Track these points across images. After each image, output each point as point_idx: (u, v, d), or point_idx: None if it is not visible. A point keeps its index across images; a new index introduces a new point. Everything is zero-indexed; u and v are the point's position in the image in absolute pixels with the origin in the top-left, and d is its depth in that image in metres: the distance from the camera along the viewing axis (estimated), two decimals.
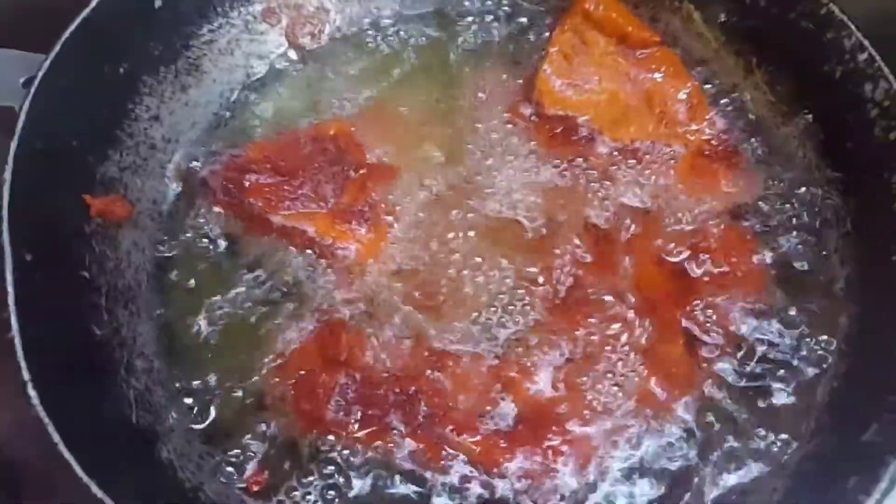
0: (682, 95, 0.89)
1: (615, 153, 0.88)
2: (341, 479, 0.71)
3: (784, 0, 0.85)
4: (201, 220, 0.86)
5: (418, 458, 0.72)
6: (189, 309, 0.80)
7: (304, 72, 0.97)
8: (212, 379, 0.76)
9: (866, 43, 0.79)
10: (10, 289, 0.64)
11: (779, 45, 0.87)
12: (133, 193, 0.84)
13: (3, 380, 0.84)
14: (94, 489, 0.57)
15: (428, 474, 0.72)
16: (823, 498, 0.63)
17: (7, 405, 0.85)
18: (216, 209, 0.86)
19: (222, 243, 0.84)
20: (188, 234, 0.85)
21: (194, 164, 0.89)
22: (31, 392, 0.61)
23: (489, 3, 0.99)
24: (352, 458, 0.72)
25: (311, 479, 0.71)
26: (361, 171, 0.86)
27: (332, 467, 0.72)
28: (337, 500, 0.71)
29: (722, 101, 0.91)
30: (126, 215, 0.82)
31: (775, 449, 0.72)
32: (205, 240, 0.85)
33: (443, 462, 0.72)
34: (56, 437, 0.59)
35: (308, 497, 0.70)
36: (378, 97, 0.94)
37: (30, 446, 0.87)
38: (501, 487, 0.71)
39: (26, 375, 0.61)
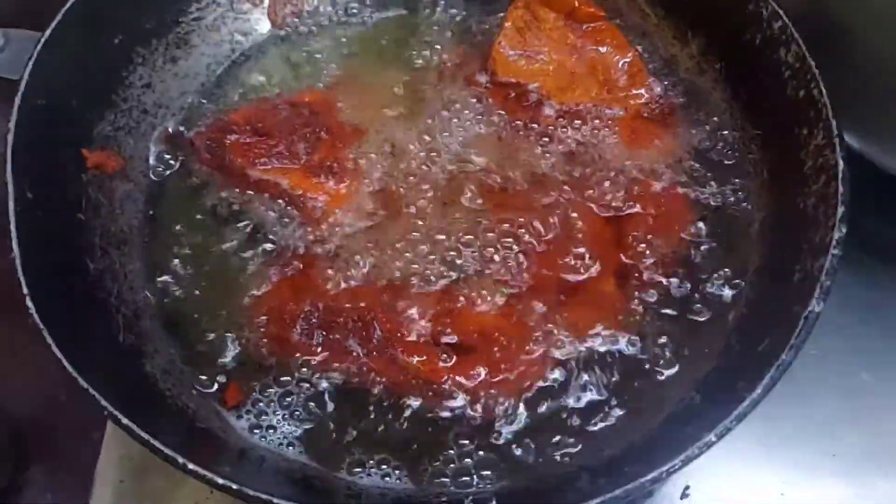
0: (623, 64, 0.99)
1: (561, 116, 0.97)
2: (303, 394, 0.80)
3: None
4: (188, 177, 0.95)
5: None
6: (175, 252, 0.89)
7: (285, 47, 1.06)
8: (193, 308, 0.85)
9: (780, 12, 0.87)
10: (11, 217, 0.73)
11: (709, 19, 0.96)
12: (126, 150, 0.94)
13: (11, 345, 0.95)
14: (81, 382, 0.66)
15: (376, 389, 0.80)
16: (721, 399, 0.71)
17: (15, 368, 0.96)
18: (201, 166, 0.95)
19: (206, 196, 0.93)
20: (176, 188, 0.94)
21: (182, 128, 0.98)
22: (30, 303, 0.70)
23: None
24: (314, 377, 0.81)
25: (273, 390, 0.80)
26: (332, 133, 0.96)
27: (297, 384, 0.81)
28: (299, 410, 0.79)
29: (660, 70, 1.00)
30: (119, 168, 0.91)
31: (689, 365, 0.80)
32: (190, 193, 0.94)
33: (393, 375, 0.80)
34: (50, 340, 0.68)
35: (271, 405, 0.79)
36: (350, 68, 1.04)
37: (35, 406, 0.98)
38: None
39: (25, 289, 0.70)
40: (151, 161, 0.96)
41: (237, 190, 0.93)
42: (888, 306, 1.00)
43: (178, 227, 0.91)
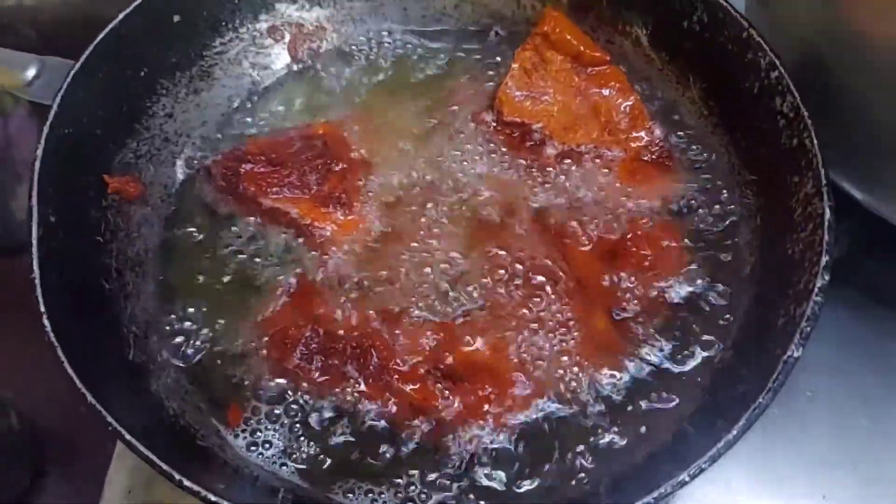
0: (625, 107, 1.02)
1: (563, 155, 1.01)
2: (300, 417, 0.84)
3: (714, 27, 0.96)
4: (204, 203, 1.00)
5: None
6: (187, 275, 0.94)
7: (303, 80, 1.11)
8: (201, 331, 0.89)
9: (777, 62, 0.90)
10: (34, 240, 0.78)
11: (711, 65, 0.99)
12: (146, 177, 0.98)
13: (29, 354, 0.99)
14: (89, 398, 0.70)
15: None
16: (698, 439, 0.74)
17: (33, 377, 0.99)
18: (216, 194, 0.99)
19: (219, 222, 0.97)
20: (191, 214, 0.99)
21: (201, 155, 1.03)
22: (46, 322, 0.74)
23: (468, 25, 1.12)
24: (311, 401, 0.85)
25: (271, 410, 0.84)
26: (343, 165, 1.00)
27: (295, 406, 0.84)
28: (295, 432, 0.83)
29: (661, 113, 1.02)
30: (138, 195, 0.96)
31: (677, 403, 0.83)
32: (205, 219, 0.98)
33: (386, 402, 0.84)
34: (63, 357, 0.72)
35: (269, 425, 0.83)
36: (364, 103, 1.08)
37: (54, 414, 1.02)
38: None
39: (42, 308, 0.75)
40: (170, 188, 1.00)
41: (250, 217, 0.98)
42: (888, 349, 1.01)
43: (190, 252, 0.95)
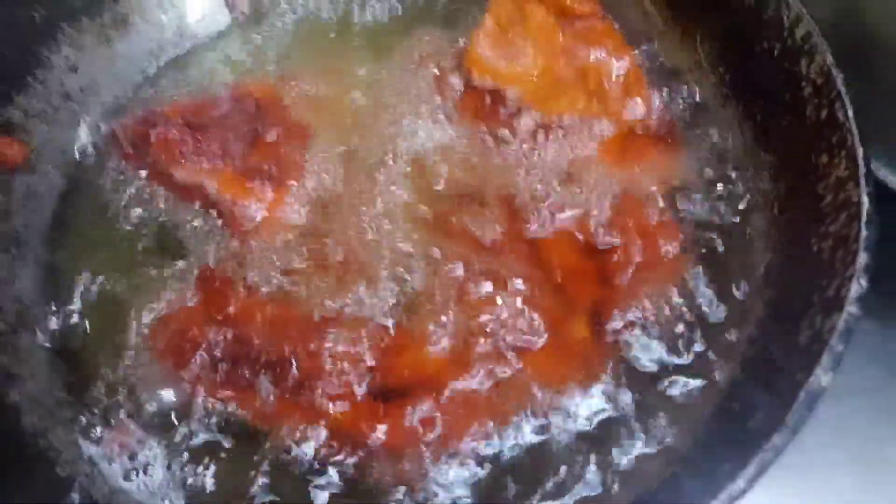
0: (618, 71, 0.85)
1: (542, 128, 0.83)
2: (194, 439, 0.67)
3: None
4: (105, 174, 0.83)
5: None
6: (78, 259, 0.78)
7: (240, 34, 0.95)
8: (85, 328, 0.73)
9: (805, 16, 0.73)
10: None
11: (722, 23, 0.83)
12: (37, 140, 0.82)
13: None
14: None
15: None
16: (699, 484, 0.57)
17: None
18: (122, 163, 0.83)
19: (123, 198, 0.81)
20: (90, 187, 0.82)
21: (109, 118, 0.86)
22: None
23: None
24: (210, 420, 0.67)
25: (165, 433, 0.67)
26: (276, 133, 0.83)
27: (188, 426, 0.68)
28: (186, 457, 0.66)
29: (662, 81, 0.86)
30: (21, 161, 0.79)
31: (667, 436, 0.65)
32: (106, 193, 0.82)
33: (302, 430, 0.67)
34: None
35: (153, 448, 0.66)
36: (310, 63, 0.92)
37: None
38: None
39: None
40: (68, 154, 0.83)
41: (160, 192, 0.81)
42: None
43: (85, 232, 0.80)
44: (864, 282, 0.61)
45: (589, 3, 0.86)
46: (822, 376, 0.57)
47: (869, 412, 0.82)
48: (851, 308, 0.59)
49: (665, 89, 0.86)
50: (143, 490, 0.65)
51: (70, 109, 0.86)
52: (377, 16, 0.94)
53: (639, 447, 0.67)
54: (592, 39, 0.86)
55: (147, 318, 0.74)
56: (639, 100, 0.84)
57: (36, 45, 0.84)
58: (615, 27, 0.87)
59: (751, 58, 0.80)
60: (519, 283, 0.75)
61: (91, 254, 0.78)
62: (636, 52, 0.87)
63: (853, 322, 0.59)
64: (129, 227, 0.80)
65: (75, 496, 0.62)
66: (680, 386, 0.69)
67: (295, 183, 0.81)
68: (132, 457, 0.66)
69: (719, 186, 0.80)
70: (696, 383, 0.69)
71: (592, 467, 0.67)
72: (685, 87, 0.86)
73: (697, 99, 0.85)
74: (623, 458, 0.66)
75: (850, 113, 0.68)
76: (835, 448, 0.80)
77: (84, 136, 0.85)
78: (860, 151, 0.67)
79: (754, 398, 0.63)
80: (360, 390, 0.69)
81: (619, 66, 0.85)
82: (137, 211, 0.81)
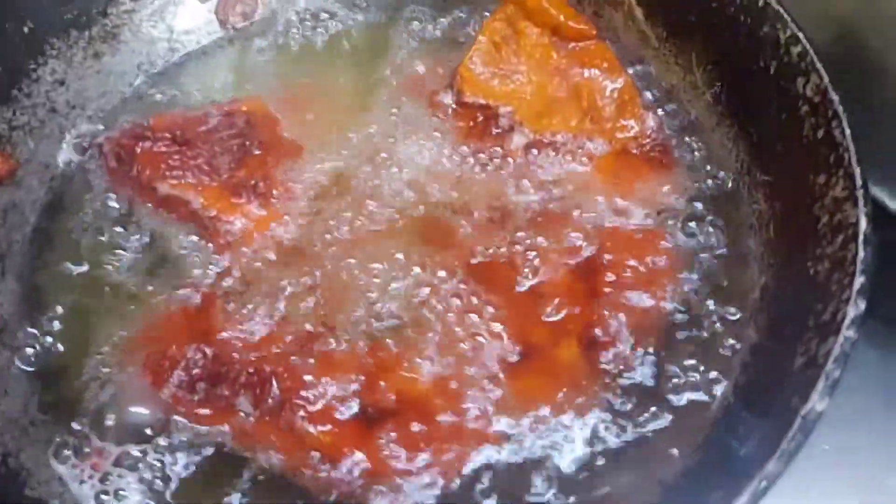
0: (612, 91, 0.84)
1: (534, 145, 0.82)
2: (170, 461, 0.64)
3: None
4: (94, 189, 0.82)
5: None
6: (59, 275, 0.76)
7: (230, 50, 0.94)
8: (64, 346, 0.71)
9: (801, 35, 0.72)
10: None
11: (718, 42, 0.82)
12: (22, 154, 0.81)
13: None
14: None
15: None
16: None
17: None
18: (108, 177, 0.81)
19: (107, 213, 0.80)
20: (75, 202, 0.81)
21: (96, 132, 0.85)
22: None
23: None
24: (187, 440, 0.65)
25: (133, 451, 0.65)
26: (264, 148, 0.82)
27: (165, 446, 0.65)
28: (161, 481, 0.64)
29: (657, 101, 0.85)
30: (7, 174, 0.78)
31: (654, 463, 0.63)
32: (94, 208, 0.80)
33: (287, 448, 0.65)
34: None
35: (128, 470, 0.64)
36: (300, 80, 0.91)
37: None
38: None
39: None
40: (52, 168, 0.82)
41: (144, 208, 0.79)
42: None
43: (67, 249, 0.77)
44: (862, 303, 0.58)
45: (584, 22, 0.85)
46: (818, 402, 0.55)
47: (867, 439, 0.80)
48: (848, 332, 0.57)
49: (659, 109, 0.84)
50: None
51: (56, 123, 0.84)
52: (369, 34, 0.93)
53: (625, 475, 0.64)
54: (587, 59, 0.85)
55: (126, 335, 0.72)
56: (632, 119, 0.83)
57: (23, 57, 0.82)
58: (609, 47, 0.85)
59: (746, 77, 0.78)
60: (507, 304, 0.73)
61: (72, 270, 0.76)
62: (630, 71, 0.85)
63: (850, 346, 0.57)
64: (112, 243, 0.78)
65: None
66: (669, 412, 0.67)
67: (282, 200, 0.79)
68: (104, 479, 0.63)
69: (713, 207, 0.78)
70: (686, 410, 0.67)
71: (575, 496, 0.64)
72: (679, 106, 0.85)
73: (692, 118, 0.84)
74: (607, 487, 0.64)
75: (848, 132, 0.66)
76: (831, 477, 0.77)
77: (69, 149, 0.84)
78: (858, 171, 0.65)
79: (747, 424, 0.61)
80: (343, 412, 0.67)
81: (613, 86, 0.84)
82: (120, 227, 0.78)
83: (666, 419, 0.66)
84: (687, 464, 0.63)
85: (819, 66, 0.70)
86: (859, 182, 0.64)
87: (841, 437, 0.79)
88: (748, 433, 0.59)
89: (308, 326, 0.72)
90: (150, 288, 0.75)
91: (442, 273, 0.74)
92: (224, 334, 0.71)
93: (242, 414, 0.67)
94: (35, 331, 0.72)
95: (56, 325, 0.73)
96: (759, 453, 0.54)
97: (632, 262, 0.75)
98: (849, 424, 0.79)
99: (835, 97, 0.68)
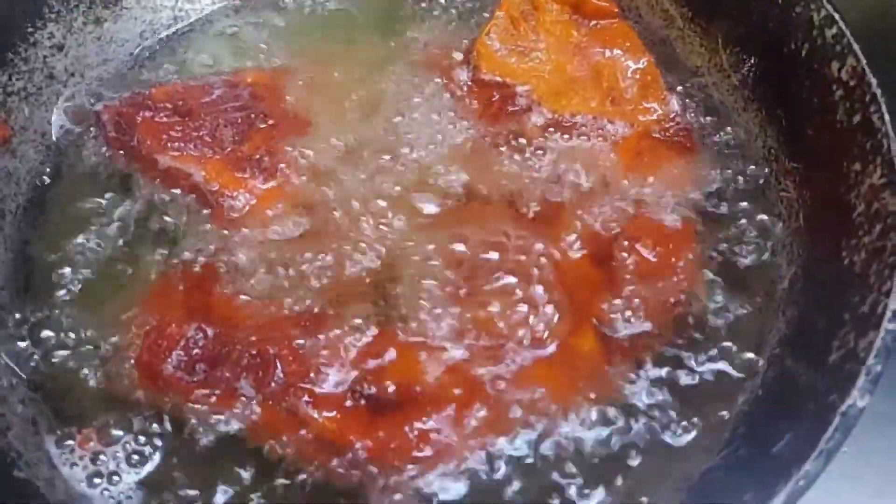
0: (634, 71, 0.80)
1: (552, 127, 0.79)
2: (164, 443, 0.61)
3: None
4: (91, 158, 0.78)
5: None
6: (57, 247, 0.73)
7: (237, 20, 0.91)
8: (58, 320, 0.68)
9: (836, 16, 0.69)
10: None
11: (746, 23, 0.80)
12: (17, 120, 0.78)
13: None
14: None
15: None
16: None
17: None
18: (106, 147, 0.77)
19: (105, 183, 0.76)
20: (72, 171, 0.77)
21: (94, 101, 0.81)
22: None
23: None
24: (185, 422, 0.62)
25: (134, 436, 0.61)
26: (270, 121, 0.78)
27: (160, 429, 0.62)
28: (151, 459, 0.60)
29: (681, 82, 0.81)
30: (2, 139, 0.74)
31: (679, 460, 0.60)
32: (90, 178, 0.77)
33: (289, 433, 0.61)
34: None
35: (119, 452, 0.61)
36: (309, 50, 0.87)
37: None
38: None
39: None
40: (48, 137, 0.78)
41: (143, 179, 0.75)
42: None
43: (63, 220, 0.74)
44: None
45: (606, 0, 0.82)
46: (858, 398, 0.52)
47: (885, 441, 0.77)
48: (891, 325, 0.54)
49: (683, 91, 0.81)
50: (106, 496, 0.59)
51: (53, 90, 0.81)
52: (384, 5, 0.89)
53: (646, 473, 0.61)
54: (608, 38, 0.82)
55: (122, 311, 0.68)
56: (655, 102, 0.79)
57: (21, 20, 0.78)
58: (632, 26, 0.82)
59: (776, 59, 0.75)
60: (523, 292, 0.69)
61: (66, 241, 0.72)
62: (653, 52, 0.82)
63: (892, 340, 0.54)
64: (108, 214, 0.74)
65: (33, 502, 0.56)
66: (692, 406, 0.64)
67: (288, 176, 0.75)
68: (96, 461, 0.60)
69: (739, 194, 0.75)
70: (711, 405, 0.64)
71: (596, 492, 0.61)
72: (704, 89, 0.82)
73: (717, 102, 0.81)
74: (629, 486, 0.61)
75: (887, 117, 0.63)
76: (848, 480, 0.73)
77: (66, 117, 0.80)
78: None
79: (779, 420, 0.58)
80: (349, 398, 0.63)
81: (635, 66, 0.80)
82: (118, 198, 0.75)
83: (689, 414, 0.63)
84: (716, 461, 0.59)
85: (856, 48, 0.68)
86: None
87: (863, 438, 0.75)
88: (780, 430, 0.56)
89: (314, 307, 0.68)
90: (147, 261, 0.72)
91: (454, 253, 0.71)
92: (225, 313, 0.67)
93: (244, 397, 0.63)
94: (29, 304, 0.69)
95: (49, 298, 0.69)
96: (794, 452, 0.51)
97: (652, 250, 0.71)
98: (871, 424, 0.76)
99: (873, 81, 0.66)
